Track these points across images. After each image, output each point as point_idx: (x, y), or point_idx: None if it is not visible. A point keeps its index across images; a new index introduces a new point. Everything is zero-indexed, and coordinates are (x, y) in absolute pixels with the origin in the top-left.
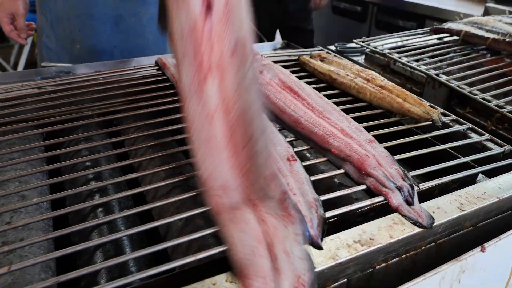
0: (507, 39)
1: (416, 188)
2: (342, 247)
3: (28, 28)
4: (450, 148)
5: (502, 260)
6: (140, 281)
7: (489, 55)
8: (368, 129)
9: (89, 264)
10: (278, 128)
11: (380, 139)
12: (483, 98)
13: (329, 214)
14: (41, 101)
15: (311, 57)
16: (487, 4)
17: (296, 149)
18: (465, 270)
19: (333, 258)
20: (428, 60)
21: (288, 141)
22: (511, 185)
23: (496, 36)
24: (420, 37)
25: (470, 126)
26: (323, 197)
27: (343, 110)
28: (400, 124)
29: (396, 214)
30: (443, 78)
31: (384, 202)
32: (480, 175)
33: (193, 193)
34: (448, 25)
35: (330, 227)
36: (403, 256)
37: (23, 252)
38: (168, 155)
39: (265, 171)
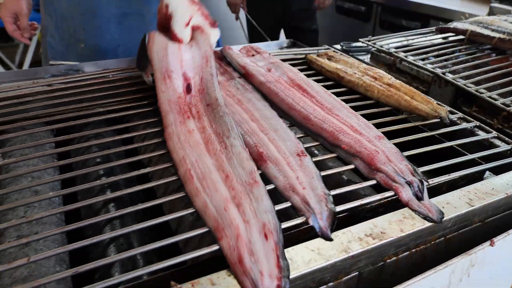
0: None
1: (425, 183)
2: (354, 240)
3: (31, 27)
4: (457, 145)
5: (511, 254)
6: (149, 275)
7: (494, 54)
8: (376, 126)
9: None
10: (288, 125)
11: (388, 136)
12: (489, 97)
13: (339, 208)
14: (52, 99)
15: (318, 55)
16: (492, 4)
17: (304, 146)
18: (474, 264)
19: (345, 251)
20: (433, 59)
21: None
22: None
23: (501, 36)
24: (425, 37)
25: (478, 124)
26: (332, 192)
27: (351, 107)
28: (407, 122)
29: (406, 209)
30: (449, 76)
31: (394, 197)
32: (487, 172)
33: None
34: (453, 24)
35: (340, 223)
36: (413, 250)
37: (38, 246)
38: None
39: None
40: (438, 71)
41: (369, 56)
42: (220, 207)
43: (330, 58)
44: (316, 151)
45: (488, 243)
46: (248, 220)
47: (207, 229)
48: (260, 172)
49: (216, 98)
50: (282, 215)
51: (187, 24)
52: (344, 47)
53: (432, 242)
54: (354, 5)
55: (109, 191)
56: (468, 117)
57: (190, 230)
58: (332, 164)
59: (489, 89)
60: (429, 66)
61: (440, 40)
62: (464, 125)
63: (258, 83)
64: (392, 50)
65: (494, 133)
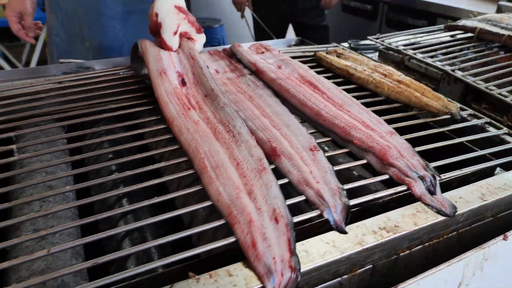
0: None
1: (438, 178)
2: (368, 233)
3: (36, 27)
4: (467, 141)
5: None
6: (164, 268)
7: (502, 52)
8: (386, 122)
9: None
10: (300, 121)
11: (398, 132)
12: (499, 94)
13: (353, 202)
14: (63, 96)
15: (327, 53)
16: (500, 2)
17: None
18: (487, 258)
19: (360, 243)
20: (441, 57)
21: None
22: None
23: (511, 33)
24: (433, 34)
25: (488, 120)
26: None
27: (361, 104)
28: (416, 118)
29: (419, 203)
30: (459, 74)
31: (407, 191)
32: (497, 168)
33: None
34: (462, 22)
35: (352, 217)
36: (426, 244)
37: (54, 239)
38: None
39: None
40: (448, 68)
41: (377, 54)
42: (233, 194)
43: (339, 55)
44: (326, 147)
45: (501, 237)
46: (259, 207)
47: (222, 220)
48: (273, 166)
49: (212, 88)
50: (295, 209)
51: (175, 33)
52: (352, 45)
53: (445, 236)
54: (361, 3)
55: (122, 186)
56: (478, 114)
57: (203, 224)
58: (342, 160)
59: (499, 86)
60: (438, 64)
61: (448, 38)
62: (475, 121)
63: (269, 80)
64: (401, 47)
65: (505, 129)
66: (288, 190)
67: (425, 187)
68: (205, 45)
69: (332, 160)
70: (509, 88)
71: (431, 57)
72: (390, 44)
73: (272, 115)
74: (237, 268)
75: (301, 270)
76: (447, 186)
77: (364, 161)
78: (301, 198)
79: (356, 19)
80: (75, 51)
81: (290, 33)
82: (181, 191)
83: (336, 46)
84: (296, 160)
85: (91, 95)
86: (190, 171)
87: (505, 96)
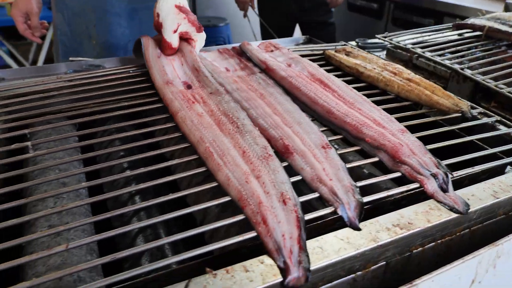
0: None
1: (450, 176)
2: (382, 230)
3: (42, 26)
4: (477, 139)
5: None
6: (177, 265)
7: (511, 50)
8: (396, 120)
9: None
10: (311, 119)
11: (408, 130)
12: (509, 92)
13: (366, 199)
14: (75, 93)
15: (336, 51)
16: (508, 1)
17: None
18: (500, 256)
19: (374, 240)
20: (450, 56)
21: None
22: None
23: None
24: (441, 33)
25: (499, 119)
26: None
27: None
28: (426, 116)
29: (431, 200)
30: (468, 72)
31: (419, 189)
32: (508, 167)
33: None
34: (471, 20)
35: (364, 214)
36: (438, 241)
37: (69, 235)
38: None
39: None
40: (457, 66)
41: (384, 52)
42: (242, 179)
43: (348, 53)
44: (335, 145)
45: None
46: (268, 191)
47: (235, 217)
48: (286, 164)
49: (217, 88)
50: (308, 206)
51: (175, 31)
52: (359, 43)
53: (457, 234)
54: (367, 2)
55: (134, 183)
56: (488, 112)
57: (216, 221)
58: (352, 158)
59: (508, 85)
60: (447, 62)
61: (456, 37)
62: (485, 119)
63: (279, 78)
64: (409, 46)
65: None
66: (299, 187)
67: (438, 185)
68: (211, 44)
69: (342, 158)
70: None
71: (439, 55)
72: (398, 42)
73: (283, 113)
74: (253, 264)
75: (317, 267)
76: (458, 184)
77: (376, 159)
78: (314, 195)
79: (362, 17)
80: (81, 49)
81: (296, 31)
82: (193, 188)
83: (345, 45)
84: (309, 157)
85: (102, 93)
86: (201, 169)
87: None
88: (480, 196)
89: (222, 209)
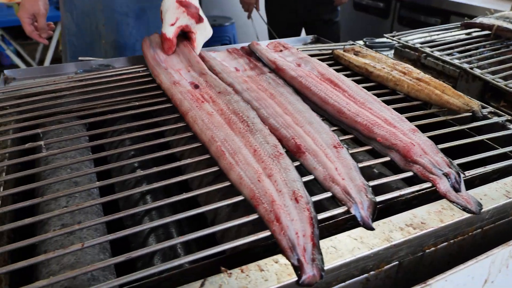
0: None
1: (462, 175)
2: (395, 230)
3: (48, 27)
4: (488, 139)
5: None
6: (189, 264)
7: None
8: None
9: (143, 247)
10: (321, 119)
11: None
12: None
13: (378, 199)
14: (85, 93)
15: (344, 50)
16: None
17: None
18: None
19: (387, 240)
20: (458, 55)
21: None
22: None
23: None
24: (449, 32)
25: (509, 118)
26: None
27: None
28: (435, 116)
29: (444, 200)
30: (477, 71)
31: (431, 188)
32: None
33: None
34: (479, 19)
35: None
36: (451, 241)
37: (82, 234)
38: None
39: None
40: (466, 66)
41: (392, 52)
42: (254, 178)
43: (357, 53)
44: (345, 145)
45: None
46: (280, 190)
47: (246, 217)
48: (298, 163)
49: (225, 88)
50: (320, 206)
51: (172, 24)
52: (367, 43)
53: (470, 233)
54: (373, 1)
55: (145, 183)
56: (498, 111)
57: (227, 221)
58: (362, 157)
59: None
60: (456, 62)
61: (464, 36)
62: (495, 119)
63: (289, 78)
64: (418, 45)
65: None
66: (310, 187)
67: (450, 184)
68: (216, 43)
69: (353, 158)
70: None
71: (448, 55)
72: (406, 42)
73: (294, 113)
74: (268, 263)
75: (331, 266)
76: (469, 184)
77: (387, 159)
78: (327, 194)
79: (368, 16)
80: (90, 49)
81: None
82: (205, 188)
83: (353, 44)
84: (321, 157)
85: (112, 93)
86: (213, 169)
87: None
88: (492, 196)
89: (233, 209)
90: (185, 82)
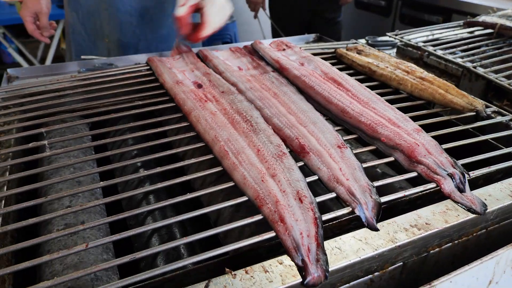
0: None
1: (466, 176)
2: (399, 230)
3: (51, 26)
4: (492, 138)
5: None
6: (192, 264)
7: None
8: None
9: (147, 247)
10: (325, 118)
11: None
12: None
13: (383, 199)
14: (88, 92)
15: (347, 49)
16: None
17: None
18: None
19: (392, 241)
20: (461, 54)
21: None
22: None
23: None
24: (452, 31)
25: None
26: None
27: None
28: (439, 115)
29: (448, 200)
30: (480, 70)
31: (435, 188)
32: None
33: None
34: (482, 18)
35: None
36: (455, 241)
37: (85, 234)
38: None
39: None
40: (469, 65)
41: (394, 50)
42: (258, 178)
43: (359, 52)
44: (349, 145)
45: None
46: (284, 190)
47: (250, 218)
48: (302, 163)
49: (229, 87)
50: (323, 207)
51: (182, 5)
52: (369, 41)
53: (474, 234)
54: None
55: (148, 182)
56: (502, 111)
57: (230, 221)
58: (365, 157)
59: None
60: (459, 60)
61: (466, 35)
62: (499, 118)
63: (293, 77)
64: (420, 44)
65: None
66: (314, 187)
67: (454, 185)
68: (217, 41)
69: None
70: None
71: (451, 53)
72: (409, 40)
73: (298, 112)
74: (272, 265)
75: (336, 267)
76: (473, 184)
77: (391, 159)
78: (331, 195)
79: (369, 15)
80: (94, 48)
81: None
82: (208, 188)
83: (355, 43)
84: (325, 157)
85: (114, 92)
86: (216, 169)
87: None
88: (497, 196)
89: (236, 209)
90: (189, 81)
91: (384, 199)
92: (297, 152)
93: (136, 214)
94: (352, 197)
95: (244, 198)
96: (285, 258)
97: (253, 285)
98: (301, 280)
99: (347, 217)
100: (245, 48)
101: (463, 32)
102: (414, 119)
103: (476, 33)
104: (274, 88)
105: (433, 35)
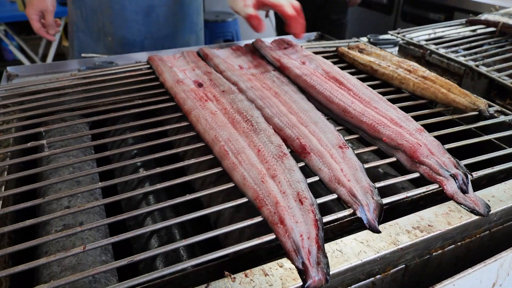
0: None
1: (469, 176)
2: (402, 233)
3: (56, 24)
4: (495, 138)
5: None
6: (192, 267)
7: None
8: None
9: (146, 248)
10: (326, 118)
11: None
12: None
13: (385, 201)
14: (88, 91)
15: (349, 48)
16: None
17: None
18: None
19: (394, 243)
20: (463, 52)
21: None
22: None
23: None
24: (454, 29)
25: None
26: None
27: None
28: (441, 115)
29: (451, 202)
30: (483, 69)
31: (438, 189)
32: None
33: None
34: (484, 16)
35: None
36: (458, 243)
37: (83, 235)
38: None
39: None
40: (471, 63)
41: (396, 48)
42: (258, 178)
43: (361, 50)
44: (350, 144)
45: None
46: (284, 191)
47: (250, 219)
48: (303, 164)
49: (229, 86)
50: (324, 208)
51: (245, 6)
52: (371, 39)
53: (477, 236)
54: None
55: (148, 182)
56: (505, 110)
57: (230, 222)
58: (367, 157)
59: None
60: (461, 59)
61: (469, 33)
62: (502, 118)
63: (294, 76)
64: (423, 42)
65: None
66: (315, 188)
67: (457, 186)
68: (219, 39)
69: (358, 158)
70: None
71: (453, 52)
72: (411, 39)
73: (299, 112)
74: (272, 268)
75: (337, 270)
76: (475, 185)
77: (393, 159)
78: (332, 196)
79: (371, 13)
80: (97, 46)
81: None
82: (209, 189)
83: (357, 41)
84: (326, 157)
85: (114, 91)
86: (216, 170)
87: None
88: (500, 198)
89: (236, 209)
90: (189, 80)
91: (386, 200)
92: (298, 153)
93: (136, 215)
94: (354, 199)
95: (245, 199)
96: (286, 261)
97: None
98: (301, 283)
99: (347, 219)
100: (246, 47)
101: (466, 31)
102: (416, 118)
103: (479, 31)
104: (275, 87)
105: (435, 33)
